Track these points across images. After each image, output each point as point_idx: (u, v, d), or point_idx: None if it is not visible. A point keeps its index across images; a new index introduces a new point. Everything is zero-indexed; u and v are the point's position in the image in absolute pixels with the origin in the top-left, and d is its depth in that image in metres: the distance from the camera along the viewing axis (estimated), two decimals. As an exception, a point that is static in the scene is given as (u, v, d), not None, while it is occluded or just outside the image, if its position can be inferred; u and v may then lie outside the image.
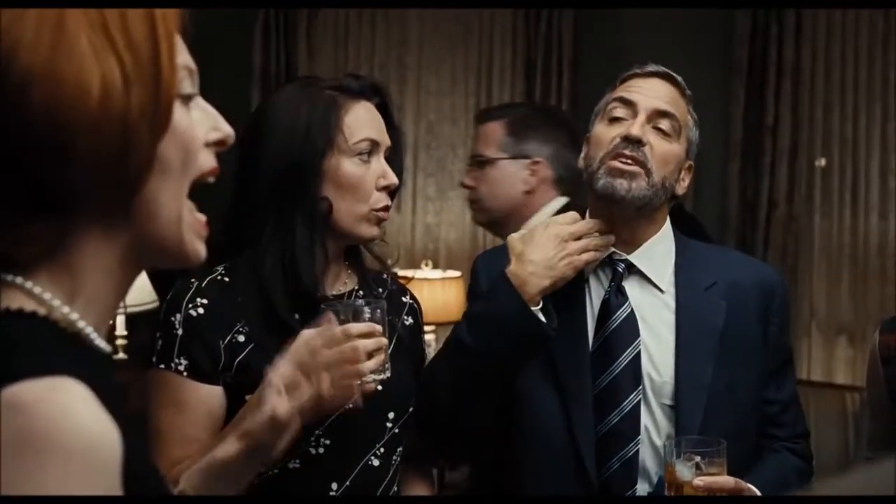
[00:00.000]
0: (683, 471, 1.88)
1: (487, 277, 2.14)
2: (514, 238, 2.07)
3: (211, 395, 1.88)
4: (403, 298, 2.18)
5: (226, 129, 1.05)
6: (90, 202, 0.92)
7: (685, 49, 5.43)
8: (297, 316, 1.93)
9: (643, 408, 2.04)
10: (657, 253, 2.13)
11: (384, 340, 1.81)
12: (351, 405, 1.82)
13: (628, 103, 2.07)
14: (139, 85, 0.91)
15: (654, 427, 2.05)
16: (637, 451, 2.02)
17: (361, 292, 2.07)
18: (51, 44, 0.87)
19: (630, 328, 2.06)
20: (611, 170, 2.03)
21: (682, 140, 2.08)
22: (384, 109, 2.05)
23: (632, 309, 2.09)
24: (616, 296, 2.08)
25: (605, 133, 2.07)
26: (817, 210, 5.48)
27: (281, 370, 1.74)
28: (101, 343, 0.98)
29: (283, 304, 1.91)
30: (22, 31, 0.87)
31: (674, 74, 2.12)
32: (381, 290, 2.13)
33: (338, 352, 1.74)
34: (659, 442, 2.04)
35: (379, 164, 1.98)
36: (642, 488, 2.03)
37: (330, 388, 1.74)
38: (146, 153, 0.93)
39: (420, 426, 2.07)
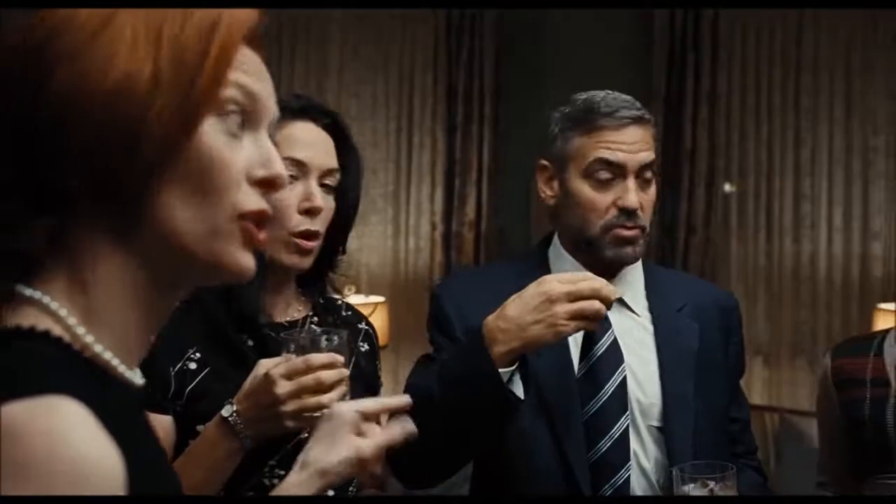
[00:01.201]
0: (701, 497, 1.85)
1: (457, 312, 2.07)
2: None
3: (160, 424, 1.82)
4: (359, 325, 2.12)
5: (276, 170, 0.97)
6: (90, 201, 0.89)
7: (606, 77, 5.48)
8: (249, 342, 1.88)
9: (632, 432, 2.02)
10: (631, 278, 2.14)
11: (346, 371, 1.75)
12: (305, 434, 1.77)
13: (615, 165, 2.02)
14: (168, 92, 0.88)
15: (643, 451, 2.03)
16: (628, 477, 2.00)
17: (316, 318, 2.02)
18: (95, 29, 0.87)
19: (614, 353, 2.05)
20: (616, 240, 2.03)
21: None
22: (335, 131, 1.93)
23: (615, 335, 2.07)
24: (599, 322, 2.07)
25: (597, 199, 2.02)
26: (734, 234, 5.58)
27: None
28: (125, 371, 0.94)
29: (232, 330, 1.87)
30: (75, 13, 0.88)
31: (644, 115, 2.07)
32: (334, 317, 2.07)
33: (298, 383, 1.70)
34: (648, 466, 2.02)
35: (305, 186, 1.86)
36: None
37: (291, 420, 1.70)
38: (150, 161, 0.89)
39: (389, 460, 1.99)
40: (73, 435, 0.78)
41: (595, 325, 1.88)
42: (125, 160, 0.88)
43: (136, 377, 0.96)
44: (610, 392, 2.01)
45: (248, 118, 0.97)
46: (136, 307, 0.94)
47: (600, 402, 2.00)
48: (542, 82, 5.70)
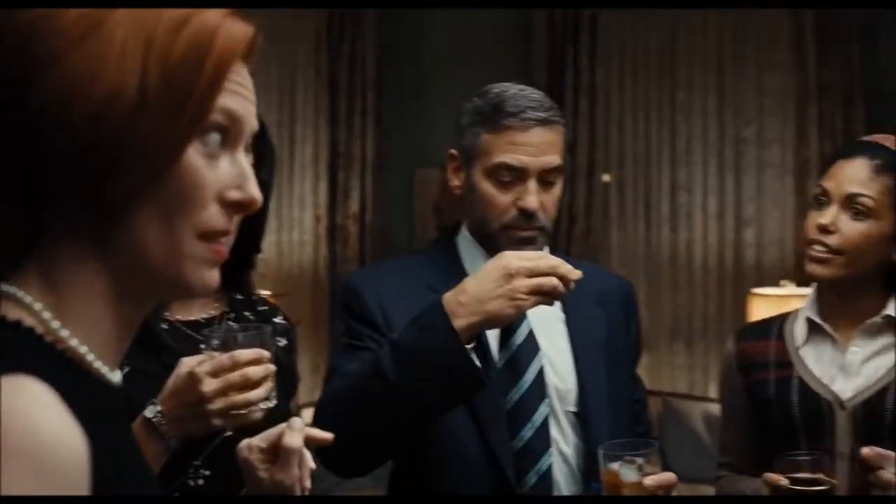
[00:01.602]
0: (628, 473, 1.88)
1: (377, 302, 2.04)
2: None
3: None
4: (276, 319, 2.10)
5: (251, 193, 0.95)
6: (69, 208, 0.88)
7: (486, 71, 5.57)
8: (168, 341, 1.85)
9: (551, 419, 2.05)
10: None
11: (273, 367, 1.74)
12: (230, 433, 1.75)
13: (517, 169, 2.00)
14: (156, 111, 0.86)
15: (562, 437, 2.06)
16: (550, 462, 2.03)
17: (233, 315, 2.00)
18: (82, 34, 0.84)
19: (531, 343, 2.07)
20: (514, 240, 2.02)
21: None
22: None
23: (531, 325, 2.09)
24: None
25: (497, 198, 2.02)
26: (614, 223, 5.73)
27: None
28: (101, 367, 0.92)
29: (151, 328, 1.83)
30: (64, 16, 0.85)
31: (551, 117, 2.03)
32: (251, 312, 2.05)
33: (225, 380, 1.68)
34: (568, 451, 2.06)
35: None
36: None
37: (218, 418, 1.67)
38: (136, 182, 0.87)
39: (318, 452, 1.97)
40: (35, 411, 0.77)
41: (552, 302, 1.88)
42: (105, 176, 0.86)
43: (115, 377, 0.96)
44: (530, 380, 2.04)
45: (227, 138, 0.95)
46: (107, 313, 0.93)
47: (521, 391, 2.03)
48: (424, 75, 5.74)
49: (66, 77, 0.85)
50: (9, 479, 0.74)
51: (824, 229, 2.08)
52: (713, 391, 5.71)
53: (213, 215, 0.94)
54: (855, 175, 2.09)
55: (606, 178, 5.73)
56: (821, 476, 1.92)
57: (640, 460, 1.88)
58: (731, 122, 5.67)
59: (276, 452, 1.56)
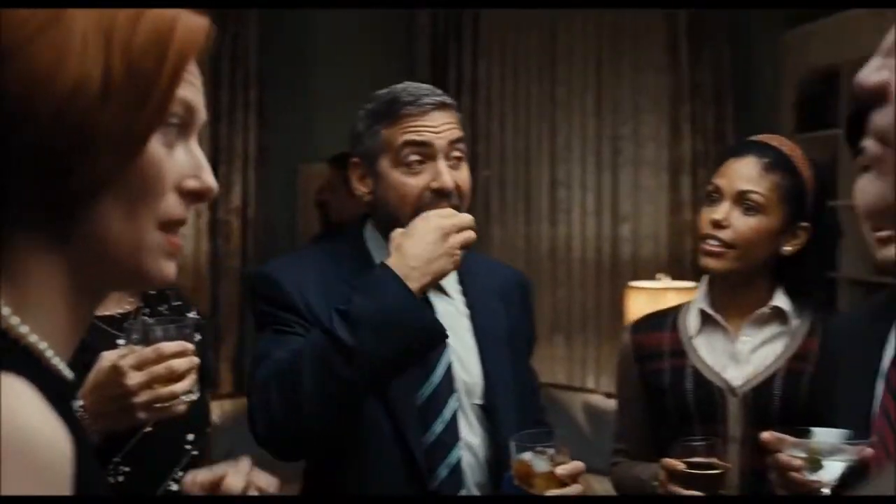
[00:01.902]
0: (539, 463, 1.94)
1: (297, 290, 2.05)
2: (397, 231, 1.98)
3: None
4: (189, 314, 2.09)
5: (207, 182, 0.97)
6: (26, 204, 0.86)
7: (369, 65, 5.59)
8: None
9: (459, 413, 2.10)
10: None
11: (196, 360, 1.74)
12: (150, 428, 1.74)
13: (423, 145, 2.03)
14: (119, 103, 0.85)
15: (470, 429, 2.11)
16: (460, 456, 2.08)
17: (147, 309, 1.98)
18: (39, 27, 0.83)
19: None
20: None
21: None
22: None
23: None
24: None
25: (410, 184, 2.04)
26: (494, 219, 5.82)
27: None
28: (59, 365, 0.91)
29: None
30: (15, 11, 0.83)
31: (446, 100, 2.09)
32: (165, 306, 2.04)
33: (150, 373, 1.67)
34: (475, 442, 2.10)
35: None
36: (468, 492, 2.09)
37: (143, 412, 1.66)
38: (100, 174, 0.86)
39: (262, 437, 1.96)
40: (23, 410, 0.76)
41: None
42: (70, 169, 0.85)
43: (68, 371, 0.96)
44: (440, 376, 2.09)
45: (183, 128, 0.95)
46: (64, 307, 0.92)
47: (432, 387, 2.07)
48: (306, 70, 5.73)
49: (28, 69, 0.83)
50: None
51: (718, 224, 2.18)
52: (592, 382, 5.86)
53: (172, 205, 0.94)
54: (746, 172, 2.19)
55: (487, 173, 5.81)
56: (714, 460, 2.02)
57: (550, 450, 1.94)
58: (609, 120, 5.82)
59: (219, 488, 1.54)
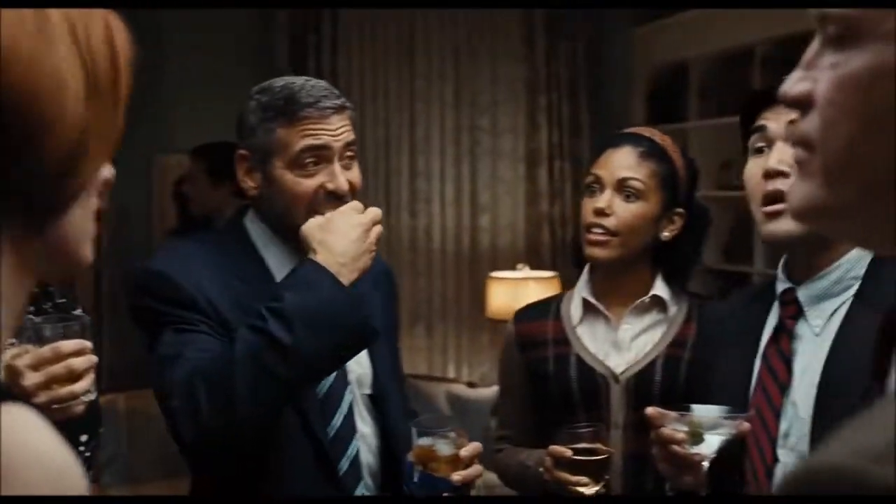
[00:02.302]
0: (444, 447, 1.97)
1: (194, 283, 1.98)
2: (312, 226, 1.94)
3: None
4: (74, 312, 2.01)
5: (112, 172, 0.96)
6: (15, 205, 0.83)
7: (227, 56, 5.51)
8: None
9: (354, 404, 2.10)
10: None
11: (95, 358, 1.68)
12: None
13: (321, 148, 2.01)
14: (99, 102, 0.84)
15: (362, 419, 2.11)
16: (358, 447, 2.07)
17: (31, 307, 1.90)
18: (33, 30, 0.80)
19: None
20: None
21: None
22: None
23: None
24: None
25: (303, 186, 2.01)
26: (355, 209, 5.81)
27: None
28: None
29: None
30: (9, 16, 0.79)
31: (345, 103, 2.09)
32: (50, 304, 1.96)
33: (48, 373, 1.60)
34: (367, 432, 2.11)
35: None
36: (365, 483, 2.08)
37: (41, 413, 1.59)
38: (91, 173, 0.86)
39: (189, 441, 1.88)
40: (42, 443, 0.76)
41: None
42: (70, 170, 0.84)
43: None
44: (342, 374, 2.09)
45: None
46: (14, 295, 0.89)
47: (330, 380, 2.06)
48: (163, 61, 5.59)
49: (30, 78, 0.80)
50: None
51: (601, 213, 2.23)
52: (453, 371, 5.93)
53: (102, 196, 0.95)
54: (624, 161, 2.26)
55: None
56: (599, 446, 2.08)
57: (452, 434, 1.98)
58: (467, 112, 5.89)
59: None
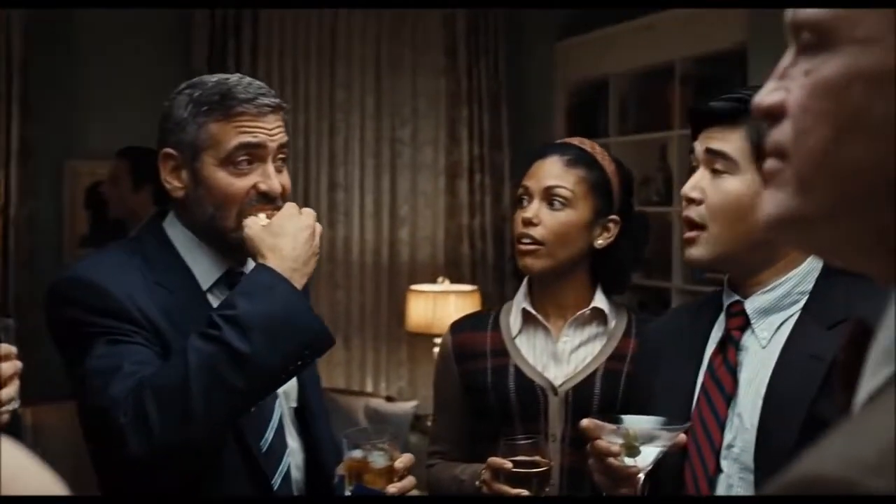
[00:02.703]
0: (378, 459, 1.92)
1: (126, 293, 1.88)
2: (259, 230, 1.88)
3: None
4: None
5: None
6: None
7: (144, 57, 5.39)
8: None
9: (283, 417, 2.03)
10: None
11: (19, 364, 1.59)
12: None
13: (256, 147, 1.94)
14: None
15: (289, 433, 2.04)
16: (289, 462, 2.01)
17: None
18: None
19: None
20: None
21: None
22: None
23: None
24: None
25: (236, 185, 1.94)
26: (272, 220, 5.72)
27: None
28: None
29: None
30: None
31: (281, 103, 2.02)
32: None
33: None
34: (295, 447, 2.04)
35: None
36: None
37: None
38: None
39: (138, 456, 1.77)
40: (30, 471, 0.72)
41: None
42: None
43: None
44: None
45: None
46: None
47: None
48: (76, 61, 5.45)
49: None
50: None
51: (529, 222, 2.22)
52: (371, 385, 5.86)
53: None
54: (551, 170, 2.25)
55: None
56: (538, 458, 2.05)
57: (386, 445, 1.94)
58: (388, 123, 5.85)
59: None
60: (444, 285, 5.34)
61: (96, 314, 1.88)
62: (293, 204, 1.95)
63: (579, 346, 2.28)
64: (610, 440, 1.82)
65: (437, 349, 5.14)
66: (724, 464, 1.81)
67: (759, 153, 1.76)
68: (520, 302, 2.32)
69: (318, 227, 1.94)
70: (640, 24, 5.26)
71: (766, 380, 1.79)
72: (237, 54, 5.47)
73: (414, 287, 5.39)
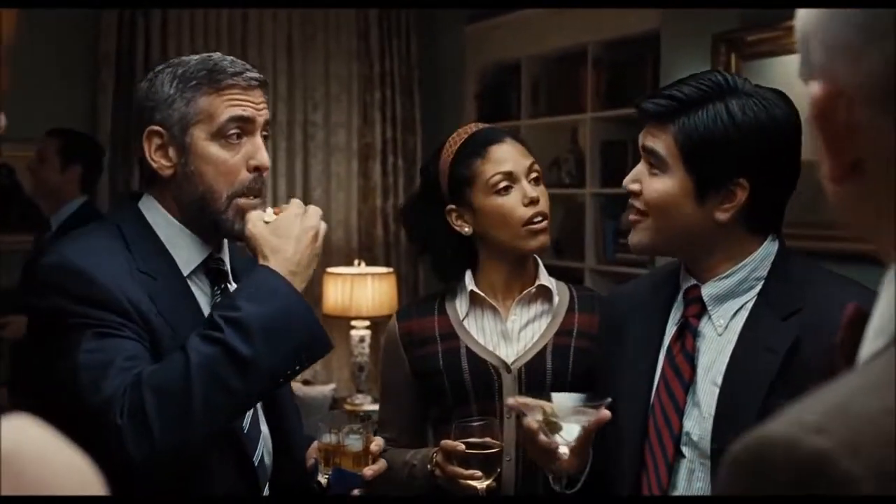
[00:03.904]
0: (354, 443, 1.95)
1: (115, 283, 1.82)
2: (262, 230, 1.87)
3: None
4: None
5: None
6: None
7: (51, 38, 5.25)
8: None
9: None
10: (229, 249, 2.10)
11: None
12: None
13: (246, 121, 1.94)
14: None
15: (262, 420, 2.04)
16: (262, 449, 2.00)
17: None
18: None
19: None
20: (242, 209, 1.94)
21: None
22: None
23: None
24: (223, 295, 2.01)
25: (229, 160, 1.93)
26: (183, 203, 5.65)
27: None
28: None
29: None
30: None
31: (265, 79, 2.04)
32: None
33: None
34: (265, 432, 2.04)
35: None
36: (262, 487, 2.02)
37: None
38: None
39: (139, 456, 1.70)
40: (65, 450, 0.71)
41: None
42: None
43: None
44: None
45: None
46: None
47: None
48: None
49: None
50: None
51: (536, 201, 2.27)
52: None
53: None
54: (516, 150, 2.33)
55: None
56: (488, 440, 2.09)
57: (361, 429, 1.97)
58: (300, 106, 5.81)
59: None
60: (361, 268, 5.34)
61: (83, 303, 1.81)
62: (299, 202, 1.95)
63: (527, 323, 2.33)
64: (535, 418, 1.88)
65: (354, 332, 5.17)
66: (684, 449, 1.86)
67: (686, 153, 1.81)
68: (467, 284, 2.34)
69: (323, 226, 1.93)
70: (552, 8, 5.31)
71: (723, 369, 1.83)
72: (147, 35, 5.38)
73: (330, 270, 5.38)
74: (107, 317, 1.81)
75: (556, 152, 5.53)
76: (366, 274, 5.24)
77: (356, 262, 5.46)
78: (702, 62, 4.39)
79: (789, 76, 3.91)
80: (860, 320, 0.84)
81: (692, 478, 1.86)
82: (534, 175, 2.30)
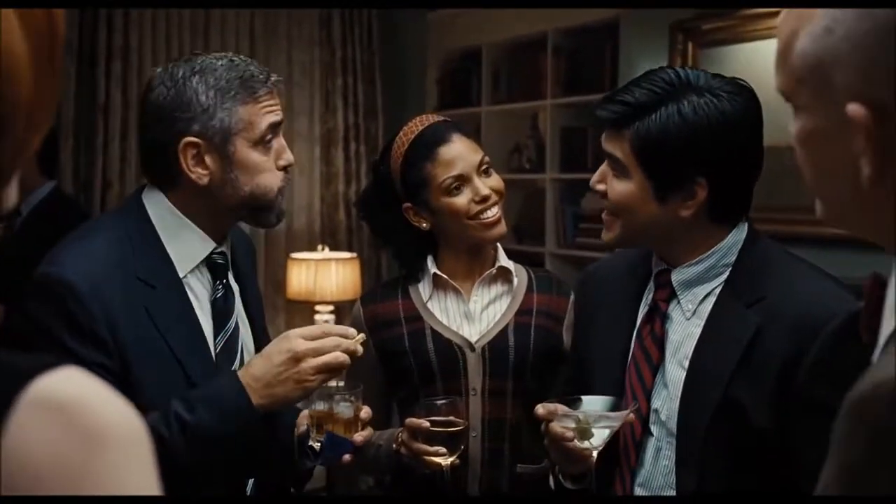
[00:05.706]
0: (345, 410, 2.01)
1: (101, 309, 1.84)
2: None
3: None
4: None
5: None
6: None
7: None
8: None
9: None
10: (235, 241, 2.15)
11: None
12: None
13: (278, 125, 2.07)
14: (42, 74, 0.81)
15: None
16: None
17: None
18: None
19: (236, 326, 2.09)
20: (277, 207, 2.09)
21: None
22: None
23: (237, 307, 2.11)
24: (225, 288, 2.07)
25: (268, 163, 2.05)
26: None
27: None
28: None
29: None
30: None
31: (281, 80, 2.15)
32: None
33: None
34: None
35: None
36: None
37: None
38: (26, 145, 0.83)
39: None
40: (117, 400, 0.77)
41: (340, 375, 1.98)
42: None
43: None
44: (238, 361, 2.06)
45: None
46: None
47: (234, 362, 2.05)
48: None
49: None
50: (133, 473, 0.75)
51: (488, 197, 2.35)
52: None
53: None
54: (468, 146, 2.39)
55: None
56: (453, 418, 2.16)
57: (351, 396, 2.04)
58: (263, 92, 5.82)
59: None
60: (325, 253, 5.39)
61: (64, 329, 1.84)
62: (297, 331, 1.96)
63: (488, 304, 2.41)
64: (564, 425, 1.92)
65: (318, 316, 5.21)
66: (652, 428, 1.94)
67: (642, 159, 1.86)
68: (430, 267, 2.41)
69: (318, 360, 1.91)
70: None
71: (690, 353, 1.90)
72: (109, 22, 5.37)
73: (294, 255, 5.43)
74: (80, 350, 1.83)
75: (516, 138, 5.60)
76: (329, 259, 5.29)
77: (319, 247, 5.50)
78: (660, 50, 4.48)
79: (746, 63, 4.04)
80: (880, 289, 0.91)
81: (659, 455, 1.93)
82: (484, 167, 2.37)
